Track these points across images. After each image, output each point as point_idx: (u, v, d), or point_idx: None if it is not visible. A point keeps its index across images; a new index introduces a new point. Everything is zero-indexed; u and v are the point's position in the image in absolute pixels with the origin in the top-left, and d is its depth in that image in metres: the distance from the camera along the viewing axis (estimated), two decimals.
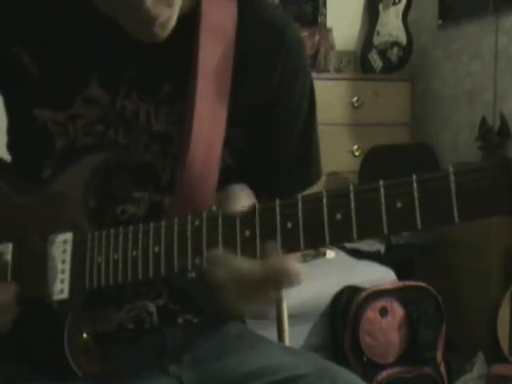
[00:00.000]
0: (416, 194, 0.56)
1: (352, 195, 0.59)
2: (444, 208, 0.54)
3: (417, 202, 0.55)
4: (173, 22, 0.83)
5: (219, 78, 0.86)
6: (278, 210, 0.64)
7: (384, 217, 0.57)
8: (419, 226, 0.55)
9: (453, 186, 0.53)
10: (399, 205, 0.56)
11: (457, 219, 0.53)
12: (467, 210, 0.53)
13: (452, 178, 0.54)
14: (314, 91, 0.97)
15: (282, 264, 0.64)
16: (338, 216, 0.60)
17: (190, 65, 0.86)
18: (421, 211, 0.55)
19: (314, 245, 0.63)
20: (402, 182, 0.57)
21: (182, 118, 0.86)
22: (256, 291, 0.67)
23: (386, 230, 0.57)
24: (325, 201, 0.61)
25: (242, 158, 0.91)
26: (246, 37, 0.89)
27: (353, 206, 0.59)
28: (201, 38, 0.86)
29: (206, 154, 0.85)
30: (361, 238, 0.59)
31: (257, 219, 0.66)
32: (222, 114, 0.86)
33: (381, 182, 0.58)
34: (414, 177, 0.56)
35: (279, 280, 0.65)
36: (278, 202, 0.65)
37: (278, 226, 0.64)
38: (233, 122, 0.87)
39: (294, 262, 0.65)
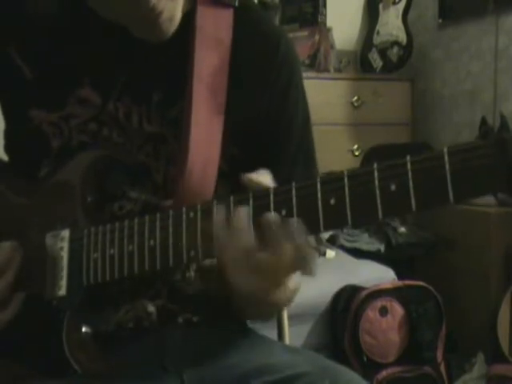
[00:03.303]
0: (410, 176, 0.55)
1: (346, 180, 0.59)
2: (438, 188, 0.53)
3: (411, 184, 0.55)
4: (178, 16, 0.84)
5: (215, 87, 0.86)
6: (271, 197, 0.64)
7: (378, 200, 0.57)
8: (414, 208, 0.55)
9: (447, 166, 0.53)
10: (393, 187, 0.56)
11: (452, 199, 0.53)
12: (462, 189, 0.53)
13: (446, 157, 0.53)
14: (307, 103, 0.97)
15: (301, 244, 0.63)
16: (332, 201, 0.59)
17: (183, 71, 0.86)
18: (415, 193, 0.55)
19: (309, 231, 0.62)
20: (396, 164, 0.56)
21: (176, 122, 0.86)
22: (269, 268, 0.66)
23: (380, 214, 0.56)
24: (319, 186, 0.60)
25: (235, 165, 0.90)
26: (241, 47, 0.89)
27: (347, 190, 0.58)
28: (196, 46, 0.86)
29: (203, 163, 0.85)
30: (355, 222, 0.58)
31: (251, 207, 0.65)
32: (219, 123, 0.86)
33: (375, 165, 0.57)
34: (408, 158, 0.55)
35: (296, 256, 0.64)
36: (271, 189, 0.64)
37: (272, 213, 0.63)
38: (228, 130, 0.87)
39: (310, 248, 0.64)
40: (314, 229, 0.61)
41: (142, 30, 0.84)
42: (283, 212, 0.63)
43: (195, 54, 0.86)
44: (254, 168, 0.89)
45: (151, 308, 0.90)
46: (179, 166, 0.84)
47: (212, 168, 0.86)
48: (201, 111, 0.85)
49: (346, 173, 0.59)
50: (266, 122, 0.92)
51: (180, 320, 0.92)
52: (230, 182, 0.86)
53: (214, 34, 0.87)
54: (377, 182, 0.57)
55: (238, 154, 0.90)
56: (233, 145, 0.89)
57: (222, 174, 0.88)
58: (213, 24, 0.88)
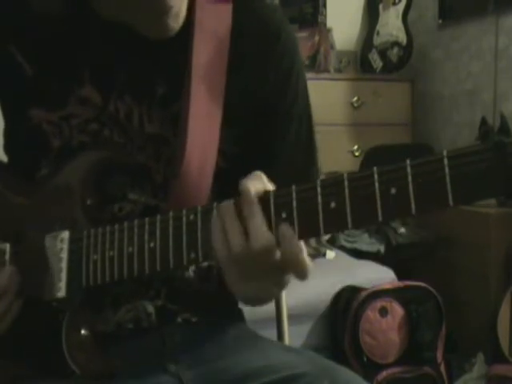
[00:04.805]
0: (410, 179, 0.55)
1: (346, 183, 0.59)
2: (438, 192, 0.53)
3: (411, 187, 0.55)
4: (183, 14, 0.86)
5: (213, 81, 0.86)
6: (271, 200, 0.64)
7: (378, 203, 0.57)
8: (413, 212, 0.55)
9: (447, 170, 0.53)
10: (393, 191, 0.56)
11: (451, 203, 0.53)
12: (461, 193, 0.53)
13: (446, 161, 0.53)
14: (307, 92, 0.96)
15: (296, 247, 0.63)
16: (333, 204, 0.59)
17: (183, 68, 0.86)
18: (415, 196, 0.55)
19: (309, 235, 0.62)
20: (396, 168, 0.56)
21: (176, 120, 0.86)
22: (267, 267, 0.65)
23: (380, 217, 0.56)
24: (319, 190, 0.60)
25: (234, 162, 0.90)
26: (241, 39, 0.89)
27: (347, 193, 0.58)
28: (195, 42, 0.86)
29: (200, 158, 0.85)
30: (355, 226, 0.58)
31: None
32: (217, 118, 0.86)
33: (374, 169, 0.57)
34: (408, 162, 0.56)
35: (291, 260, 0.63)
36: (271, 192, 0.64)
37: (273, 216, 0.63)
38: (227, 124, 0.87)
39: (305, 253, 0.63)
40: (314, 232, 0.61)
41: (148, 27, 0.85)
42: (283, 215, 0.63)
43: (194, 49, 0.86)
44: (253, 164, 0.88)
45: (151, 308, 0.90)
46: (177, 163, 0.84)
47: (209, 161, 0.86)
48: (198, 106, 0.85)
49: (346, 176, 0.59)
50: (267, 111, 0.91)
51: (179, 320, 0.92)
52: (229, 180, 0.86)
53: (213, 29, 0.88)
54: (377, 185, 0.57)
55: (236, 149, 0.90)
56: (231, 138, 0.89)
57: (220, 171, 0.88)
58: (212, 17, 0.88)
